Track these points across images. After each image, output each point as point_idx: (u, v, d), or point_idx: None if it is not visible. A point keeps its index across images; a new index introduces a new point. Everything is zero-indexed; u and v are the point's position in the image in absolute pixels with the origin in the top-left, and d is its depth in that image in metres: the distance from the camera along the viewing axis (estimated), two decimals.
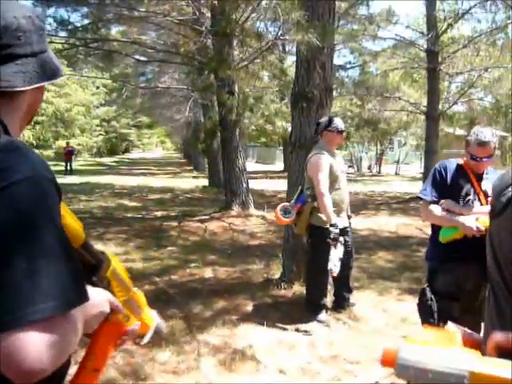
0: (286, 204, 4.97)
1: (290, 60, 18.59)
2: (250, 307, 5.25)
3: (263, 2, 8.31)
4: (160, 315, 4.29)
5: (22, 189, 0.93)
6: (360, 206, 13.44)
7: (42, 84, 1.15)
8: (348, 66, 17.83)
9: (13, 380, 0.88)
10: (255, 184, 18.21)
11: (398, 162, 32.88)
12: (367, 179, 25.50)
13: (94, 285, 1.16)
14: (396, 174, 31.23)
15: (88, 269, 1.17)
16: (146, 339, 1.37)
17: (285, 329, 4.61)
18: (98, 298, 1.13)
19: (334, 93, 17.54)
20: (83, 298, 0.97)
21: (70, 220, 1.11)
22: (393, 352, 1.19)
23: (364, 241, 8.76)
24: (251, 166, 32.66)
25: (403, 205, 14.23)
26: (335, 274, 4.50)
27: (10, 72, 1.06)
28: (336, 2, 6.30)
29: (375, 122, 21.31)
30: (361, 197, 16.36)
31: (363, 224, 10.35)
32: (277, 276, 6.12)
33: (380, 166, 33.13)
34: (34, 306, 0.87)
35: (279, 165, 33.72)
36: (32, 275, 0.88)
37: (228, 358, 3.93)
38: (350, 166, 30.56)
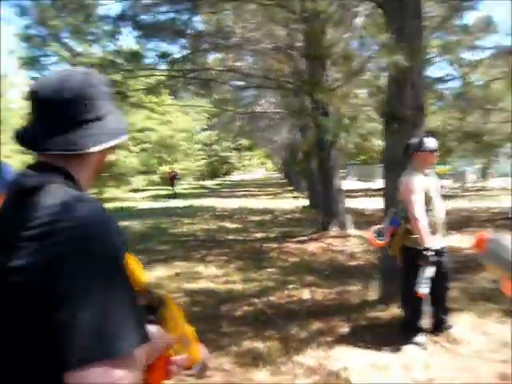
0: (380, 226, 4.98)
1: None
2: (345, 329, 5.28)
3: (354, 24, 8.39)
4: (258, 336, 4.47)
5: (95, 239, 1.07)
6: (464, 222, 12.98)
7: (108, 145, 1.28)
8: (447, 77, 17.37)
9: None
10: (355, 203, 18.10)
11: (507, 175, 31.28)
12: (472, 194, 24.52)
13: (151, 322, 1.30)
14: (504, 188, 29.75)
15: (146, 308, 1.34)
16: (194, 370, 1.50)
17: (380, 351, 4.61)
18: (155, 336, 1.26)
19: (433, 106, 17.15)
20: (145, 338, 1.09)
21: (134, 265, 1.29)
22: (486, 238, 1.21)
23: (467, 260, 8.47)
24: (351, 184, 32.41)
25: (510, 221, 13.60)
26: (423, 295, 4.47)
27: (80, 136, 1.22)
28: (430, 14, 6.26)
29: (478, 135, 20.50)
30: (465, 213, 15.78)
31: (467, 242, 10.01)
32: (374, 297, 6.10)
33: (486, 180, 31.72)
34: (107, 346, 0.99)
35: (380, 182, 33.13)
36: (104, 318, 1.01)
37: (322, 380, 4.00)
38: (453, 181, 29.50)
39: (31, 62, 27.58)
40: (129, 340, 1.03)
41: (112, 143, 1.28)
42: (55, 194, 1.14)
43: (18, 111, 26.53)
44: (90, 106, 1.24)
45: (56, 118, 1.21)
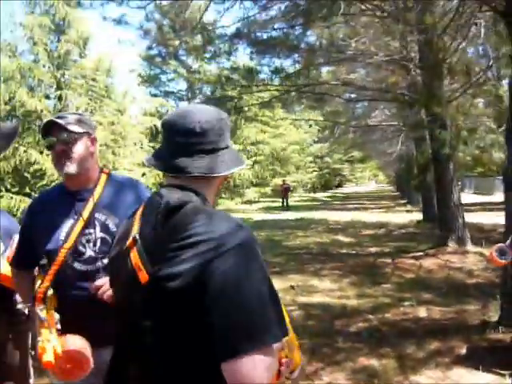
0: (502, 245, 4.80)
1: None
2: (464, 350, 5.12)
3: (471, 34, 8.15)
4: (373, 353, 4.48)
5: (249, 248, 1.29)
6: None
7: (235, 170, 1.52)
8: None
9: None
10: (472, 217, 17.34)
11: None
12: None
13: None
14: None
15: None
16: (295, 374, 1.58)
17: (502, 375, 4.44)
18: None
19: None
20: (286, 332, 1.28)
21: None
22: None
23: None
24: (467, 197, 31.07)
25: None
26: None
27: (216, 162, 1.46)
28: None
29: None
30: None
31: None
32: (494, 318, 5.86)
33: None
34: (258, 338, 1.19)
35: (499, 195, 31.48)
36: (261, 314, 1.22)
37: None
38: None
39: (151, 79, 28.96)
40: (274, 334, 1.22)
41: (236, 169, 1.53)
42: (198, 211, 1.34)
43: (138, 126, 28.01)
44: (222, 136, 1.49)
45: (195, 146, 1.43)
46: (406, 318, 6.49)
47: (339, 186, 69.11)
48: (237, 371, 1.17)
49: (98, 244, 2.26)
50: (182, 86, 31.03)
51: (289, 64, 12.98)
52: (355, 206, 32.22)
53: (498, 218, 15.33)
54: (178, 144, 1.44)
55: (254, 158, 34.04)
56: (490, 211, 20.65)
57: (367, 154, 40.51)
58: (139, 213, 1.47)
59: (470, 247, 11.37)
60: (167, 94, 30.36)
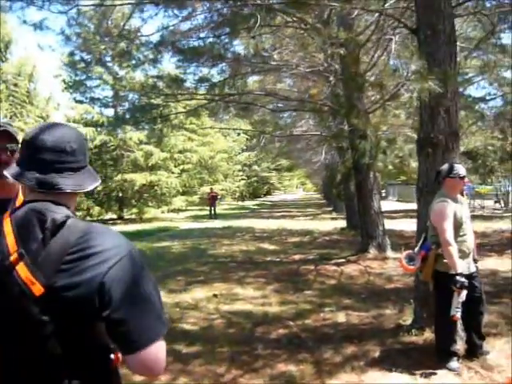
0: (411, 252, 5.02)
1: None
2: (379, 353, 5.30)
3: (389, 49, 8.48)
4: (292, 358, 4.56)
5: (134, 257, 1.49)
6: (505, 245, 12.76)
7: (96, 185, 1.65)
8: (488, 97, 17.15)
9: (146, 377, 1.64)
10: (395, 224, 17.95)
11: None
12: None
13: None
14: None
15: None
16: None
17: (414, 374, 4.62)
18: None
19: (474, 127, 16.92)
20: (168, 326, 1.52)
21: None
22: None
23: (506, 283, 8.36)
24: (391, 204, 32.13)
25: None
26: (456, 318, 4.46)
27: (83, 178, 1.59)
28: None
29: None
30: (507, 234, 15.48)
31: (508, 265, 9.85)
32: (409, 322, 6.09)
33: None
34: (160, 328, 1.47)
35: None
36: (159, 308, 1.49)
37: None
38: (496, 202, 28.82)
39: (76, 85, 28.23)
40: (165, 324, 1.50)
41: (96, 184, 1.65)
42: (84, 225, 1.50)
43: None
44: (85, 155, 1.63)
45: (65, 164, 1.53)
46: (326, 323, 6.63)
47: (267, 194, 69.79)
48: (148, 358, 1.44)
49: None
50: (108, 92, 30.41)
51: (215, 73, 13.00)
52: (282, 213, 32.62)
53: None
54: (46, 161, 1.51)
55: (181, 167, 33.84)
56: (411, 218, 21.36)
57: (294, 163, 41.16)
58: (8, 229, 1.48)
59: (389, 253, 11.76)
60: (93, 101, 29.67)
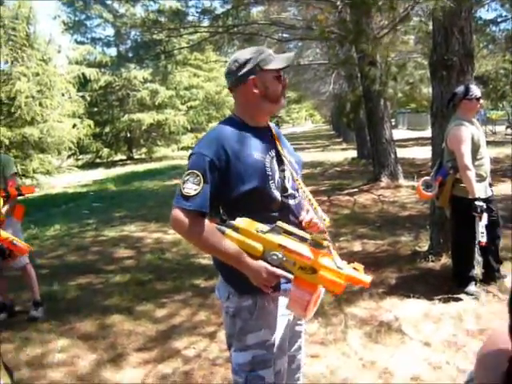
0: (427, 178, 4.93)
1: None
2: (396, 280, 5.32)
3: None
4: None
5: None
6: None
7: None
8: (499, 19, 16.58)
9: None
10: (406, 152, 17.83)
11: None
12: None
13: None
14: None
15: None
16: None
17: (432, 301, 4.63)
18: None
19: (485, 50, 16.46)
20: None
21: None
22: None
23: None
24: (401, 133, 31.80)
25: None
26: (484, 243, 4.39)
27: None
28: None
29: None
30: None
31: None
32: (425, 248, 6.09)
33: None
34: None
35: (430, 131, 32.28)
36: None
37: (374, 331, 4.07)
38: (507, 127, 28.32)
39: (76, 26, 27.57)
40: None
41: None
42: None
43: (65, 75, 26.96)
44: None
45: None
46: (342, 252, 6.62)
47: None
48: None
49: None
50: (110, 31, 29.82)
51: (218, 5, 12.60)
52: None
53: (430, 153, 15.68)
54: None
55: (188, 104, 33.50)
56: (422, 146, 21.21)
57: (302, 94, 40.58)
58: None
59: (402, 181, 11.71)
60: (94, 41, 29.13)
